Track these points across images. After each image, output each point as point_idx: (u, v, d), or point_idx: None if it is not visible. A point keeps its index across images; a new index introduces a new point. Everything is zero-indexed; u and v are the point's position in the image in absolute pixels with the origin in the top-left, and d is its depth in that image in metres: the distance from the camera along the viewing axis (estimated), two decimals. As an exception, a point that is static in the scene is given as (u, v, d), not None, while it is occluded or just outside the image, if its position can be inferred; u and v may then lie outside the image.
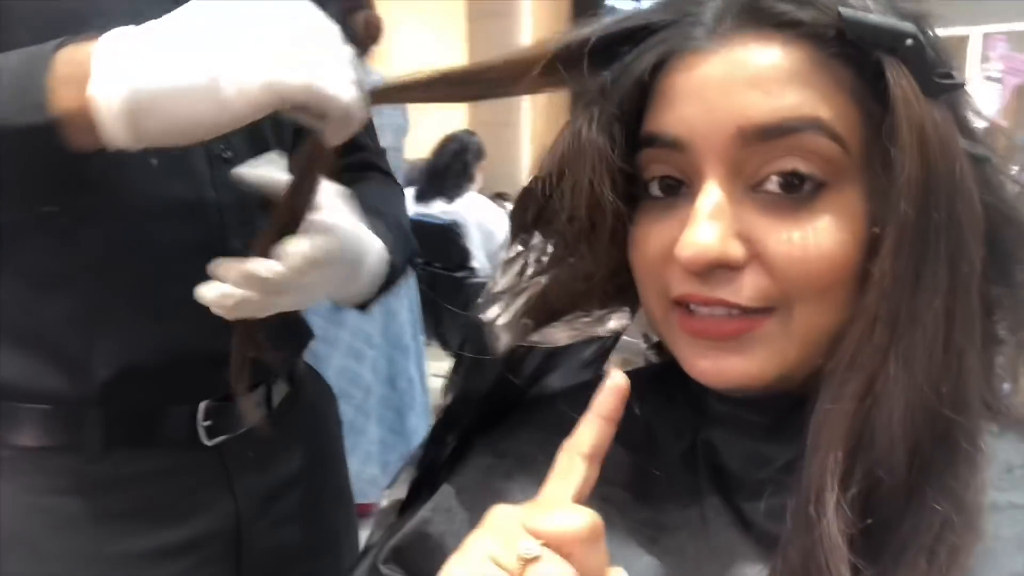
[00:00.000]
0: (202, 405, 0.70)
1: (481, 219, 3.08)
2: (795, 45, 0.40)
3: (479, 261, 3.04)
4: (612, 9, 6.06)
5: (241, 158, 0.65)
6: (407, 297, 2.44)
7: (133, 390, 0.66)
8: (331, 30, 0.49)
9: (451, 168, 3.08)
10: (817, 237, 0.40)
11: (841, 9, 0.39)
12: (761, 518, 0.43)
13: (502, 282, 0.52)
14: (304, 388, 0.85)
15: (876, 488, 0.38)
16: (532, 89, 0.47)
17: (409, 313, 2.45)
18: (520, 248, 0.51)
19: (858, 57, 0.40)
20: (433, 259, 3.07)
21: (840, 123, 0.40)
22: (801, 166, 0.40)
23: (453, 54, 5.55)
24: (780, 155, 0.40)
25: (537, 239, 0.52)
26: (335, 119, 0.49)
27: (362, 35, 2.13)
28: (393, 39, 5.14)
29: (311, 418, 0.85)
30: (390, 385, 2.42)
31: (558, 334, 0.50)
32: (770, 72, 0.40)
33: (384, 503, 0.58)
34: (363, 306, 0.80)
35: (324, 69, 0.47)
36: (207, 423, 0.70)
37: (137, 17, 0.52)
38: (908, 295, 0.38)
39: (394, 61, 5.20)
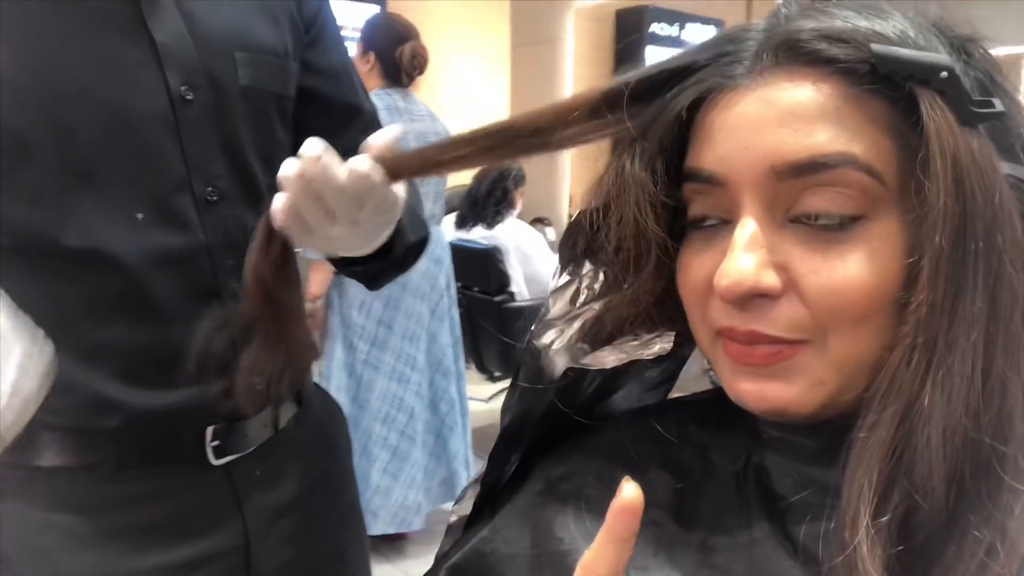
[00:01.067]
0: (210, 427, 0.72)
1: (520, 243, 3.09)
2: (827, 82, 0.41)
3: (517, 285, 3.06)
4: (653, 35, 6.09)
5: (228, 199, 0.67)
6: (447, 320, 2.45)
7: (143, 421, 0.69)
8: None
9: (492, 195, 3.11)
10: (852, 267, 0.40)
11: (873, 46, 0.40)
12: (808, 541, 0.43)
13: (555, 309, 0.54)
14: (311, 408, 0.86)
15: (915, 514, 0.38)
16: (576, 138, 0.47)
17: (450, 336, 2.46)
18: (568, 277, 0.53)
19: (892, 89, 0.40)
20: (473, 283, 3.08)
21: (874, 156, 0.40)
22: (835, 200, 0.40)
23: (497, 81, 5.62)
24: (815, 189, 0.41)
25: (587, 267, 0.54)
26: None
27: (408, 66, 2.18)
28: (442, 69, 5.22)
29: (318, 437, 0.87)
30: (431, 409, 2.42)
31: (607, 357, 0.51)
32: (799, 110, 0.41)
33: (453, 519, 0.60)
34: (371, 281, 0.80)
35: None
36: (215, 443, 0.73)
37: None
38: (945, 324, 0.38)
39: (444, 90, 5.29)
